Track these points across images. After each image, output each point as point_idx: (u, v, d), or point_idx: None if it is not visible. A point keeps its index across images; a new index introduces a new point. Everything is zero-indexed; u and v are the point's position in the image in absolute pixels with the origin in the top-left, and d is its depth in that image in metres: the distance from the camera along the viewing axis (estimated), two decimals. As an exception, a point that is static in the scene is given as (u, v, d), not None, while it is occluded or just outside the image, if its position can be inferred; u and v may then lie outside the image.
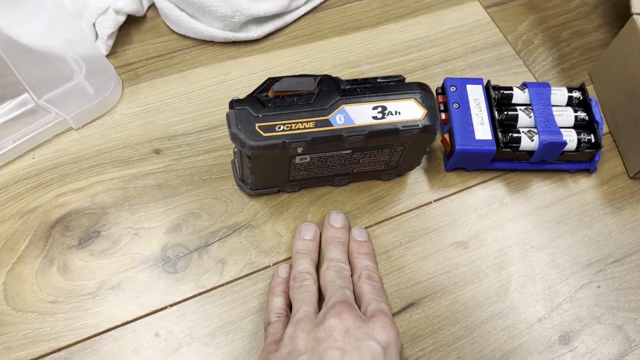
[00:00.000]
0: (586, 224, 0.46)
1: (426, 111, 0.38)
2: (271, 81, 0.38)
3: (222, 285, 0.41)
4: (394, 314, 0.41)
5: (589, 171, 0.48)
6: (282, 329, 0.36)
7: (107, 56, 0.49)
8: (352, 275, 0.40)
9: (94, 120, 0.46)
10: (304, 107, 0.37)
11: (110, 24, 0.48)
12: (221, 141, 0.46)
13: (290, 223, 0.44)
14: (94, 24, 0.49)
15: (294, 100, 0.37)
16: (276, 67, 0.51)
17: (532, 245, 0.44)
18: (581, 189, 0.47)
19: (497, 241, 0.44)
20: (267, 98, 0.37)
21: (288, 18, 0.52)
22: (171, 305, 0.40)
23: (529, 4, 0.57)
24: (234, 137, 0.36)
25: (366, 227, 0.44)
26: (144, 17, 0.52)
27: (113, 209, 0.43)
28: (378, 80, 0.39)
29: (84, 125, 0.46)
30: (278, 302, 0.39)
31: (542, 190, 0.47)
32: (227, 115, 0.36)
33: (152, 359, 0.38)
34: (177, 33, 0.51)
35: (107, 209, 0.43)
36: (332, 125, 0.37)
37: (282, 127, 0.36)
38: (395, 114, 0.38)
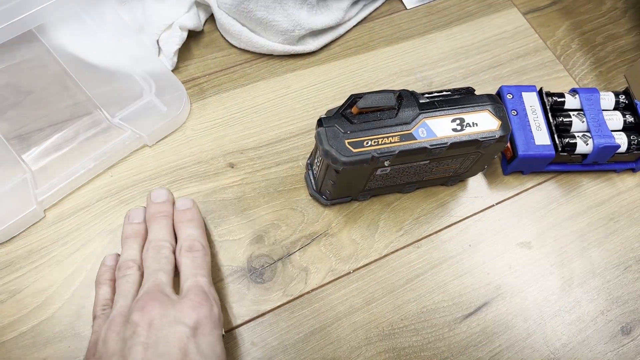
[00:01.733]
0: (636, 220, 0.49)
1: (500, 122, 0.41)
2: (354, 98, 0.39)
3: (309, 292, 0.43)
4: (469, 314, 0.43)
5: (633, 170, 0.51)
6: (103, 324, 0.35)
7: (172, 72, 0.50)
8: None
9: (166, 137, 0.48)
10: (387, 122, 0.39)
11: (176, 40, 0.49)
12: (290, 153, 0.48)
13: (364, 230, 0.46)
14: (157, 41, 0.50)
15: (377, 115, 0.39)
16: (333, 77, 0.53)
17: (589, 242, 0.47)
18: (628, 187, 0.50)
19: (557, 240, 0.47)
20: (352, 115, 0.39)
21: (341, 30, 0.54)
22: (263, 314, 0.42)
23: (564, 10, 0.60)
24: (326, 154, 0.38)
25: (435, 232, 0.46)
26: (201, 31, 0.53)
27: (196, 224, 0.44)
28: (450, 92, 0.42)
29: (157, 142, 0.47)
30: (104, 293, 0.38)
31: (593, 190, 0.50)
32: (318, 133, 0.38)
33: (252, 367, 0.40)
34: (235, 47, 0.53)
35: (191, 223, 0.44)
36: (415, 139, 0.39)
37: (369, 142, 0.38)
38: (473, 125, 0.40)
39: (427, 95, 0.41)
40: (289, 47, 0.52)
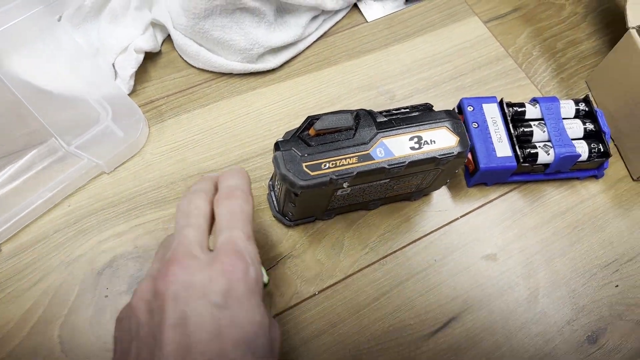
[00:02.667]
0: (599, 228, 0.49)
1: (458, 138, 0.40)
2: (311, 119, 0.39)
3: (273, 317, 0.42)
4: (436, 331, 0.43)
5: (596, 177, 0.51)
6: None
7: (129, 95, 0.49)
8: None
9: (125, 163, 0.47)
10: (345, 143, 0.39)
11: (132, 64, 0.48)
12: (253, 174, 0.48)
13: (329, 250, 0.45)
14: (112, 64, 0.49)
15: (335, 136, 0.39)
16: (294, 95, 0.52)
17: (553, 252, 0.48)
18: (591, 194, 0.51)
19: (523, 251, 0.47)
20: (309, 137, 0.39)
21: (301, 46, 0.54)
22: (228, 342, 0.41)
23: (524, 17, 0.60)
24: (283, 178, 0.38)
25: (400, 248, 0.46)
26: (159, 52, 0.52)
27: (157, 251, 0.44)
28: (408, 109, 0.42)
29: (116, 168, 0.46)
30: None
31: (557, 199, 0.50)
32: (275, 157, 0.38)
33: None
34: (194, 67, 0.52)
35: (151, 251, 0.44)
36: (373, 159, 0.39)
37: (327, 165, 0.38)
38: (431, 142, 0.40)
39: (385, 113, 0.41)
40: (248, 65, 0.51)
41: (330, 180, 0.38)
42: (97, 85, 0.48)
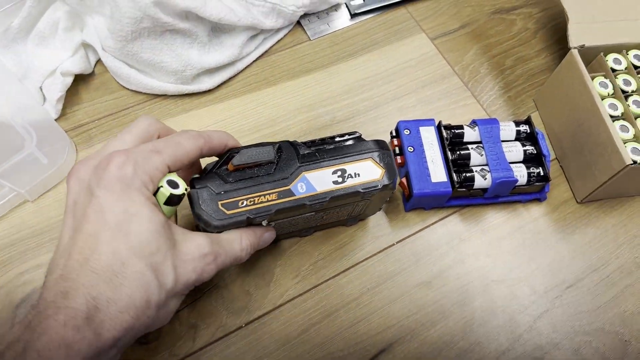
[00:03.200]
0: (540, 252, 0.48)
1: (384, 170, 0.39)
2: (230, 153, 0.38)
3: (196, 352, 0.41)
4: (366, 362, 0.42)
5: (539, 200, 0.50)
6: None
7: (57, 119, 0.48)
8: None
9: (50, 190, 0.46)
10: (265, 178, 0.37)
11: (58, 88, 0.47)
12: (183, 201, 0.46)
13: (259, 280, 0.44)
14: (40, 88, 0.48)
15: (255, 171, 0.37)
16: (231, 116, 0.51)
17: (492, 279, 0.46)
18: (533, 217, 0.50)
19: (459, 278, 0.46)
20: (227, 172, 0.37)
21: (240, 65, 0.52)
22: (147, 378, 0.40)
23: (473, 33, 0.59)
24: (197, 217, 0.36)
25: (333, 277, 0.45)
26: (91, 74, 0.51)
27: (78, 283, 0.42)
28: (336, 139, 0.40)
29: (40, 196, 0.45)
30: None
31: (497, 222, 0.49)
32: (189, 195, 0.36)
33: None
34: (128, 89, 0.51)
35: (72, 283, 0.42)
36: (294, 195, 0.37)
37: (245, 203, 0.36)
38: (355, 176, 0.39)
39: (310, 143, 0.40)
40: (182, 86, 0.50)
41: (247, 219, 0.36)
42: (23, 110, 0.46)
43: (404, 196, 0.48)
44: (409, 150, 0.47)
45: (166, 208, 0.34)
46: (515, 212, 0.50)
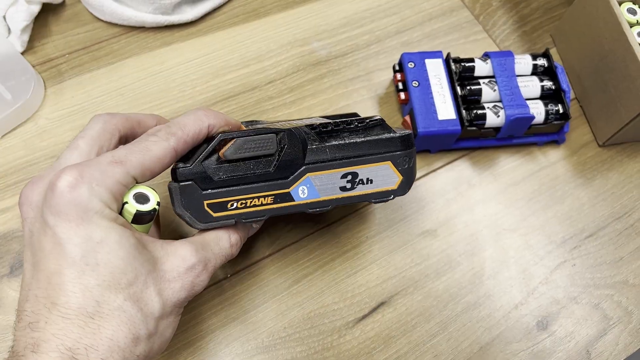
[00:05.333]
0: (558, 199, 0.44)
1: (401, 178, 0.33)
2: (222, 139, 0.30)
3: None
4: (363, 317, 0.38)
5: (557, 142, 0.46)
6: None
7: (23, 53, 0.43)
8: None
9: (15, 129, 0.41)
10: (262, 176, 0.31)
11: (22, 16, 0.42)
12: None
13: (246, 226, 0.40)
14: (4, 17, 0.43)
15: (250, 166, 0.31)
16: (216, 51, 0.46)
17: (503, 227, 0.42)
18: (550, 162, 0.45)
19: (468, 226, 0.42)
20: (218, 163, 0.30)
21: (226, -6, 0.47)
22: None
23: (485, -37, 0.54)
24: (179, 217, 0.30)
25: (328, 225, 0.41)
26: (62, 4, 0.46)
27: (46, 229, 0.38)
28: (353, 125, 0.33)
29: (4, 136, 0.41)
30: None
31: (511, 167, 0.44)
32: (170, 190, 0.30)
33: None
34: (102, 20, 0.46)
35: (39, 229, 0.38)
36: (293, 200, 0.31)
37: (235, 205, 0.30)
38: (367, 182, 0.32)
39: (322, 131, 0.32)
40: (161, 17, 0.45)
41: (235, 222, 0.31)
42: (-16, 41, 0.42)
43: (408, 137, 0.44)
44: (414, 85, 0.42)
45: (138, 227, 0.29)
46: (531, 155, 0.45)
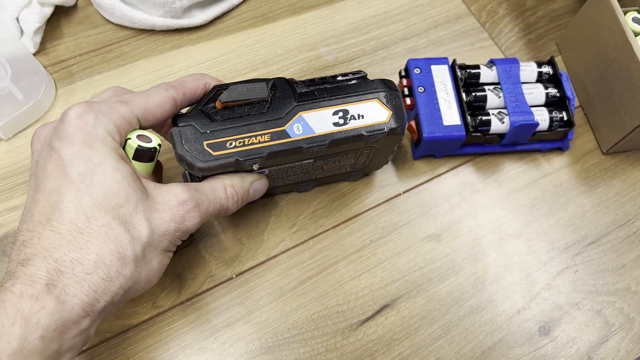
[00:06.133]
0: (561, 206, 0.44)
1: (391, 112, 0.35)
2: (218, 90, 0.33)
3: (182, 303, 0.38)
4: (366, 319, 0.39)
5: (561, 149, 0.46)
6: None
7: (35, 54, 0.44)
8: None
9: (26, 129, 0.42)
10: (256, 117, 0.33)
11: (35, 18, 0.43)
12: (168, 143, 0.42)
13: (252, 229, 0.41)
14: (17, 19, 0.44)
15: (245, 110, 0.33)
16: (225, 54, 0.47)
17: (507, 233, 0.42)
18: (554, 169, 0.45)
19: (471, 231, 0.42)
20: (215, 110, 0.33)
21: (235, 0, 0.48)
22: (128, 330, 0.37)
23: (491, -29, 0.54)
24: (180, 159, 0.32)
25: (332, 227, 0.41)
26: (74, 6, 0.47)
27: (55, 228, 0.39)
28: (338, 78, 0.35)
29: (15, 135, 0.42)
30: None
31: (515, 173, 0.45)
32: (171, 133, 0.32)
33: (110, 392, 0.35)
34: (112, 23, 0.47)
35: (48, 228, 0.39)
36: (289, 137, 0.33)
37: (233, 144, 0.32)
38: (359, 117, 0.34)
39: (308, 82, 0.35)
40: (171, 20, 0.46)
41: (235, 161, 0.32)
42: (-3, 42, 0.43)
43: (413, 142, 0.44)
44: (419, 90, 0.42)
45: (138, 165, 0.31)
46: (535, 162, 0.45)
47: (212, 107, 0.33)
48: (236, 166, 0.32)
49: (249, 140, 0.32)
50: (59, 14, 0.46)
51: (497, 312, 0.40)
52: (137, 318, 0.37)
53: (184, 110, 0.34)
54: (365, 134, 0.34)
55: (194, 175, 0.33)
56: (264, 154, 0.32)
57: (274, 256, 0.40)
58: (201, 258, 0.39)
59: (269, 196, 0.42)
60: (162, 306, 0.38)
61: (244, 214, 0.41)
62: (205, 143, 0.32)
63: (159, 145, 0.32)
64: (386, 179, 0.43)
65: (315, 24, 0.49)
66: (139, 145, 0.30)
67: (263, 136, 0.32)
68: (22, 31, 0.44)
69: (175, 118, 0.32)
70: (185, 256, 0.39)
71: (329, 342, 0.38)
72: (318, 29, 0.49)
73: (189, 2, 0.45)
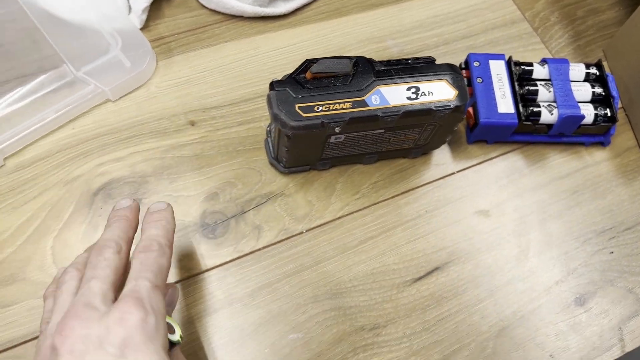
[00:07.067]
0: (600, 194, 0.48)
1: (457, 92, 0.40)
2: (309, 63, 0.39)
3: (259, 249, 0.43)
4: (419, 278, 0.43)
5: (603, 144, 0.50)
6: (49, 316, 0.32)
7: (141, 30, 0.50)
8: None
9: (130, 93, 0.48)
10: (340, 88, 0.38)
11: (144, -1, 0.49)
12: (253, 114, 0.48)
13: (320, 193, 0.46)
14: (127, -1, 0.50)
15: (331, 81, 0.39)
16: (303, 41, 0.52)
17: (549, 214, 0.47)
18: (595, 161, 0.50)
19: (517, 210, 0.47)
20: (305, 79, 0.39)
21: (314, -6, 0.54)
22: (212, 268, 0.42)
23: (545, -18, 0.59)
24: (275, 118, 0.38)
25: (392, 197, 0.46)
26: (174, -9, 0.53)
27: (152, 178, 0.45)
28: (410, 61, 0.41)
29: (120, 97, 0.48)
30: (47, 306, 0.34)
31: (559, 162, 0.49)
32: (268, 96, 0.38)
33: (196, 318, 0.40)
34: (206, 8, 0.53)
35: (147, 177, 0.45)
36: (368, 106, 0.39)
37: (320, 108, 0.38)
38: (428, 94, 0.40)
39: (384, 63, 0.41)
40: (259, 9, 0.51)
41: (322, 123, 0.38)
42: (110, 18, 0.49)
43: (468, 128, 0.49)
44: (478, 81, 0.47)
45: None
46: (578, 154, 0.50)
47: (302, 77, 0.39)
48: (321, 127, 0.38)
49: (333, 106, 0.38)
50: (161, -3, 0.52)
51: (537, 282, 0.44)
52: (221, 259, 0.42)
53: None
54: (434, 108, 0.39)
55: (285, 134, 0.39)
56: (346, 118, 0.38)
57: (339, 217, 0.45)
58: (276, 213, 0.45)
59: (338, 166, 0.47)
60: (242, 251, 0.43)
61: (314, 180, 0.46)
62: (296, 106, 0.37)
63: (182, 337, 0.33)
64: (442, 158, 0.48)
65: (384, 19, 0.54)
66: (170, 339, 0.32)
67: (345, 103, 0.38)
68: (129, 9, 0.51)
69: (272, 83, 0.38)
70: (263, 211, 0.44)
71: (385, 294, 0.43)
72: (386, 24, 0.54)
73: (275, -7, 0.51)
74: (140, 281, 0.30)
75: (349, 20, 0.54)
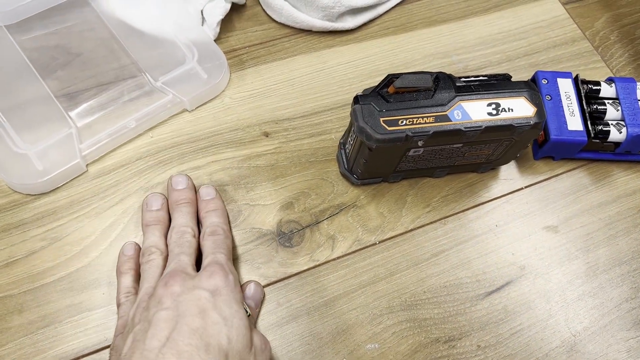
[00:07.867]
0: (666, 213, 0.49)
1: (536, 109, 0.41)
2: (391, 77, 0.40)
3: (334, 259, 0.44)
4: (492, 292, 0.44)
5: (667, 163, 0.51)
6: (131, 308, 0.38)
7: (214, 42, 0.52)
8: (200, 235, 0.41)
9: (205, 103, 0.49)
10: (423, 102, 0.39)
11: (220, 11, 0.50)
12: (323, 126, 0.49)
13: (392, 205, 0.47)
14: (201, 11, 0.51)
15: (413, 95, 0.40)
16: (369, 56, 0.53)
17: (617, 231, 0.47)
18: (660, 180, 0.50)
19: (584, 226, 0.47)
20: (388, 94, 0.40)
21: (380, 9, 0.55)
22: (290, 277, 0.43)
23: (603, 2, 0.60)
24: (360, 131, 0.39)
25: (462, 211, 0.47)
26: (244, 5, 0.55)
27: (230, 187, 0.46)
28: (487, 77, 0.42)
29: (197, 108, 0.49)
30: (126, 282, 0.40)
31: (624, 180, 0.50)
32: (354, 109, 0.39)
33: (276, 325, 0.41)
34: (276, 21, 0.54)
35: (225, 186, 0.46)
36: (450, 120, 0.39)
37: (404, 122, 0.39)
38: (509, 110, 0.40)
39: (463, 79, 0.42)
40: (327, 23, 0.53)
41: (406, 136, 0.39)
42: (185, 29, 0.50)
43: (536, 144, 0.50)
44: (547, 98, 0.48)
45: None
46: (642, 172, 0.50)
47: (385, 92, 0.40)
48: (405, 141, 0.39)
49: (417, 120, 0.39)
50: (232, 10, 0.53)
51: (608, 298, 0.45)
52: (298, 267, 0.43)
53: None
54: (515, 125, 0.40)
55: (368, 146, 0.40)
56: (430, 132, 0.39)
57: (411, 230, 0.46)
58: (349, 224, 0.45)
59: (408, 179, 0.48)
60: (318, 260, 0.44)
61: (385, 192, 0.47)
62: (381, 119, 0.39)
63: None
64: (510, 174, 0.49)
65: (448, 35, 0.55)
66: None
67: (429, 117, 0.39)
68: (203, 21, 0.52)
69: (357, 97, 0.39)
70: (337, 221, 0.45)
71: (458, 307, 0.43)
72: (450, 40, 0.55)
73: (345, 9, 0.52)
74: (217, 254, 0.38)
75: (414, 36, 0.55)
